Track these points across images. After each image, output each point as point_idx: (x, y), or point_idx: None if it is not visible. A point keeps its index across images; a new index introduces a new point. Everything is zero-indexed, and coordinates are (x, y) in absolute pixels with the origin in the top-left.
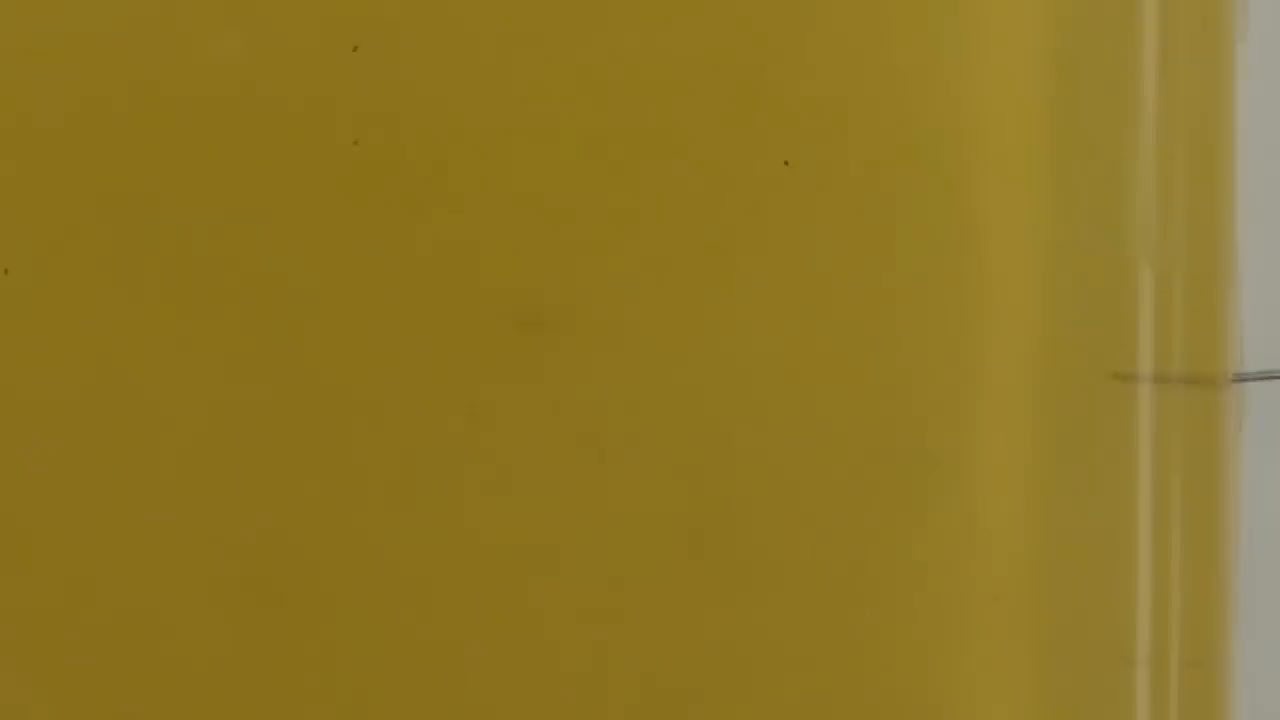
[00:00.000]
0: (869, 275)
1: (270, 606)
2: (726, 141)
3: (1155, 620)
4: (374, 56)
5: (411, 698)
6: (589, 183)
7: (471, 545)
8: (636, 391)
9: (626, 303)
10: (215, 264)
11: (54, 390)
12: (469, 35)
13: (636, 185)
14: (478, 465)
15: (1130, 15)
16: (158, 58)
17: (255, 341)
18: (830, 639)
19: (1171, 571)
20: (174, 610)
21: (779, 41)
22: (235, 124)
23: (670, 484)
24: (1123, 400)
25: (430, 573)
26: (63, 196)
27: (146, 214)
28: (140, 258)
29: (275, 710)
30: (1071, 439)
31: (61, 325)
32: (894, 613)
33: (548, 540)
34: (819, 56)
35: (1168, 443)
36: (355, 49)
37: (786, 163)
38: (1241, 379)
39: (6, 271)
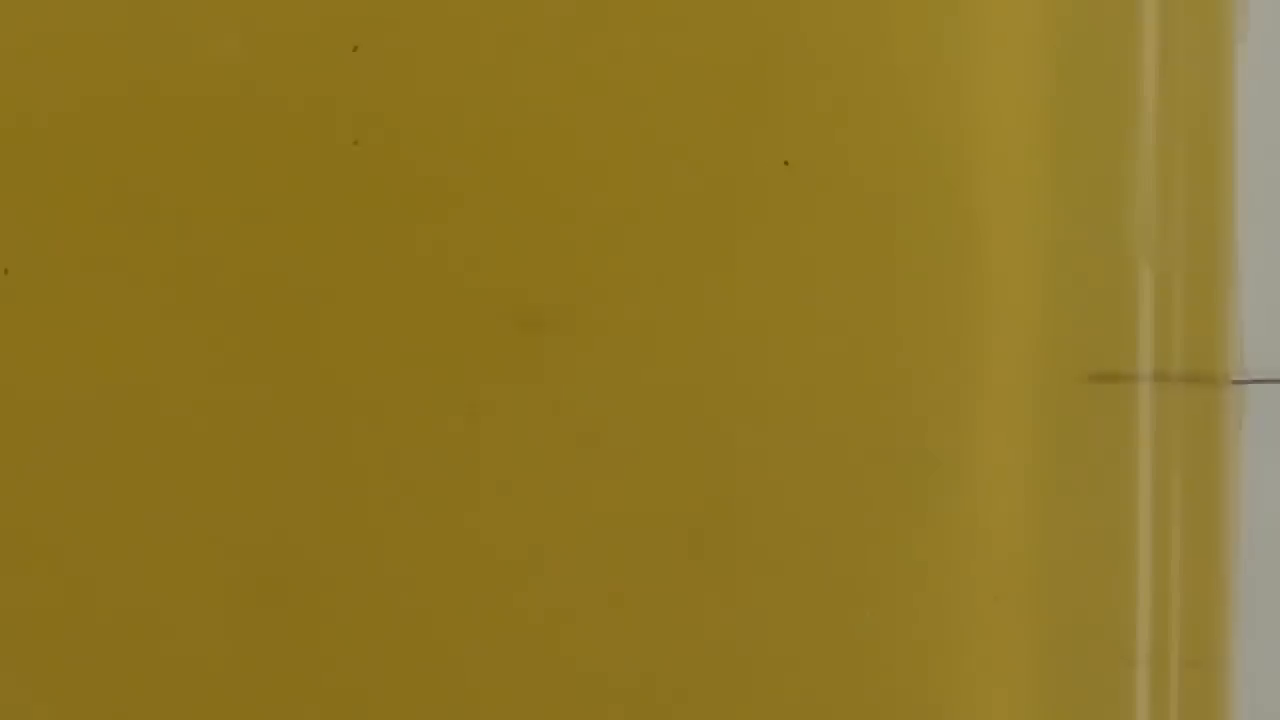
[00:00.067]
0: (869, 275)
1: (270, 606)
2: (726, 141)
3: (1155, 620)
4: (374, 56)
5: (412, 697)
6: (589, 183)
7: (471, 545)
8: (636, 391)
9: (626, 303)
10: (215, 264)
11: (54, 390)
12: (469, 35)
13: (636, 185)
14: (478, 465)
15: (1130, 15)
16: (158, 58)
17: (255, 341)
18: (830, 639)
19: (1171, 571)
20: (174, 610)
21: (779, 41)
22: (235, 124)
23: (670, 484)
24: (1123, 400)
25: (430, 572)
26: (63, 196)
27: (147, 214)
28: (140, 258)
29: (276, 710)
30: (1072, 439)
31: (61, 325)
32: (894, 613)
33: (548, 540)
34: (819, 56)
35: (1168, 443)
36: (355, 49)
37: (786, 163)
38: (1242, 382)
39: (6, 271)
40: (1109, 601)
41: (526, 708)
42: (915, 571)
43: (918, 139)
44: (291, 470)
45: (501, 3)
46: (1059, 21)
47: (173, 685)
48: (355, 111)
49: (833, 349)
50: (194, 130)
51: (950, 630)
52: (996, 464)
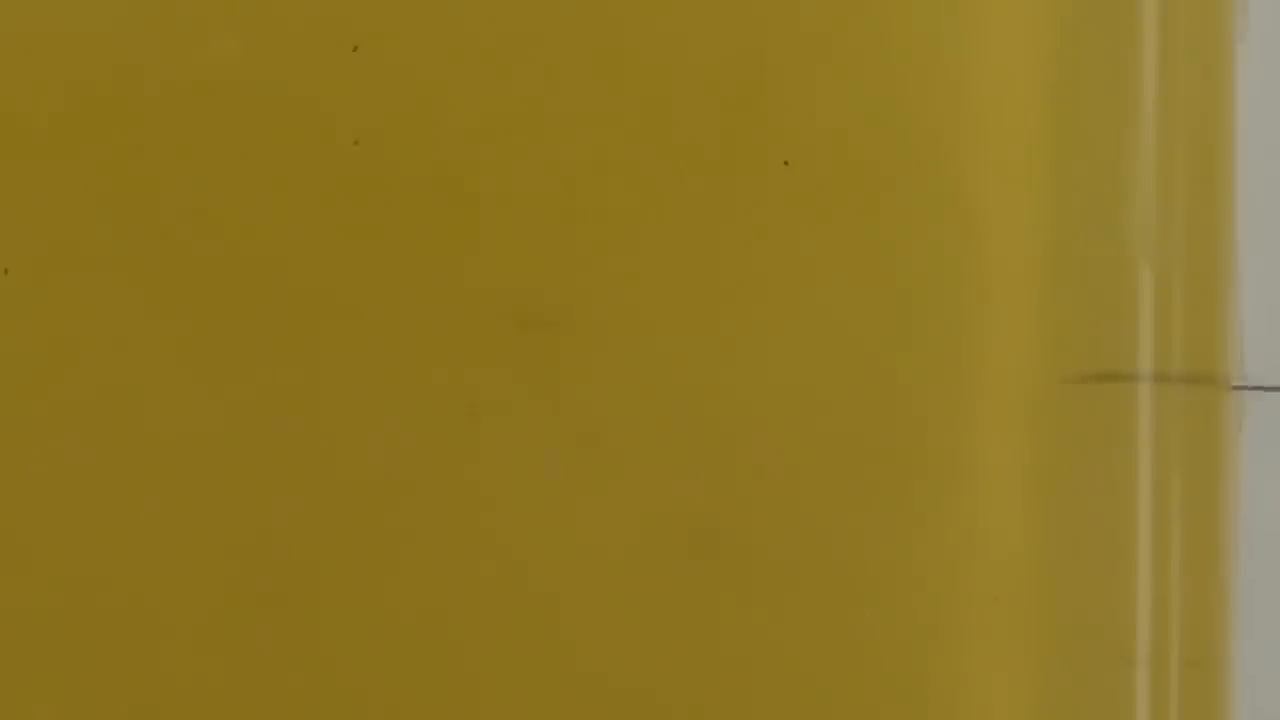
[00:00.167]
0: (869, 275)
1: (269, 605)
2: (726, 141)
3: (1155, 620)
4: (374, 56)
5: (412, 697)
6: (589, 183)
7: (471, 544)
8: (637, 391)
9: (627, 302)
10: (215, 264)
11: (54, 390)
12: (469, 35)
13: (637, 185)
14: (478, 465)
15: (1130, 15)
16: (158, 58)
17: (255, 341)
18: (831, 639)
19: (1171, 571)
20: (175, 610)
21: (779, 41)
22: (235, 124)
23: (671, 484)
24: (1123, 400)
25: (430, 572)
26: (63, 197)
27: (146, 214)
28: (140, 258)
29: (275, 711)
30: (1072, 439)
31: (61, 325)
32: (894, 613)
33: (548, 539)
34: (819, 56)
35: (1167, 443)
36: (355, 49)
37: (786, 163)
38: (1242, 388)
39: (6, 271)
40: (1109, 601)
41: (526, 708)
42: (915, 571)
43: (918, 139)
44: (291, 470)
45: (501, 3)
46: (1059, 21)
47: (172, 685)
48: (355, 111)
49: (832, 349)
50: (194, 130)
51: (950, 630)
52: (996, 464)
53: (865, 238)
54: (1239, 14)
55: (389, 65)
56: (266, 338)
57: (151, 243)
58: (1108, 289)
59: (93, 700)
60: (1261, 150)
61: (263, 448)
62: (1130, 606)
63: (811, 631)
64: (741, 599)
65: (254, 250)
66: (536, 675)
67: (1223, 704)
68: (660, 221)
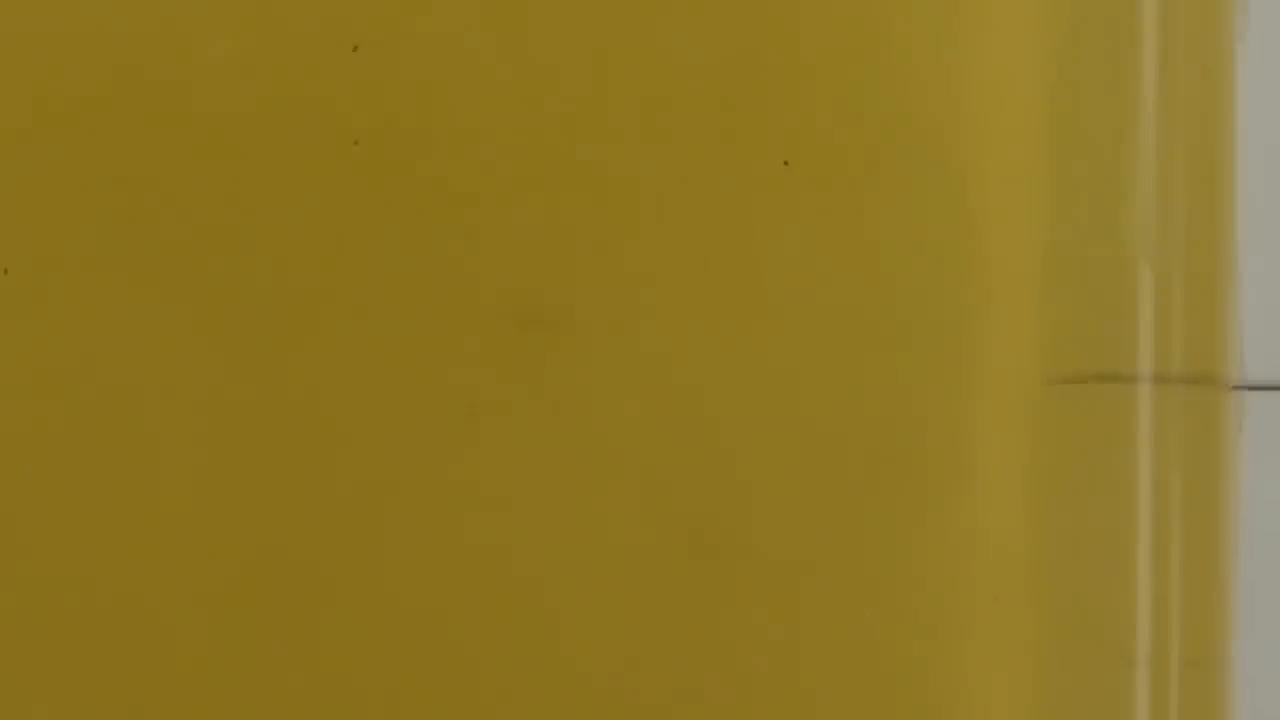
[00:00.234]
0: (869, 275)
1: (269, 605)
2: (726, 141)
3: (1155, 620)
4: (374, 56)
5: (410, 697)
6: (588, 183)
7: (470, 544)
8: (636, 391)
9: (626, 302)
10: (215, 264)
11: (53, 390)
12: (469, 35)
13: (636, 185)
14: (477, 464)
15: (1130, 15)
16: (158, 58)
17: (255, 341)
18: (830, 639)
19: (1171, 571)
20: (174, 610)
21: (779, 41)
22: (235, 124)
23: (670, 484)
24: (1123, 401)
25: (429, 572)
26: (62, 197)
27: (146, 214)
28: (140, 258)
29: (274, 711)
30: (1072, 439)
31: (61, 325)
32: (894, 613)
33: (547, 540)
34: (819, 56)
35: (1167, 443)
36: (355, 49)
37: (786, 163)
38: (1242, 388)
39: (6, 271)
40: (1109, 601)
41: (525, 708)
42: (915, 571)
43: (918, 139)
44: (291, 469)
45: (501, 3)
46: (1059, 21)
47: (172, 685)
48: (355, 111)
49: (832, 349)
50: (194, 130)
51: (950, 630)
52: (996, 464)
53: (865, 238)
54: (1239, 14)
55: (389, 65)
56: (266, 337)
57: (151, 243)
58: (1108, 289)
59: (93, 700)
60: (1261, 150)
61: (263, 447)
62: (1130, 606)
63: (811, 631)
64: (741, 599)
65: (254, 250)
66: (536, 675)
67: (1223, 704)
68: (660, 221)
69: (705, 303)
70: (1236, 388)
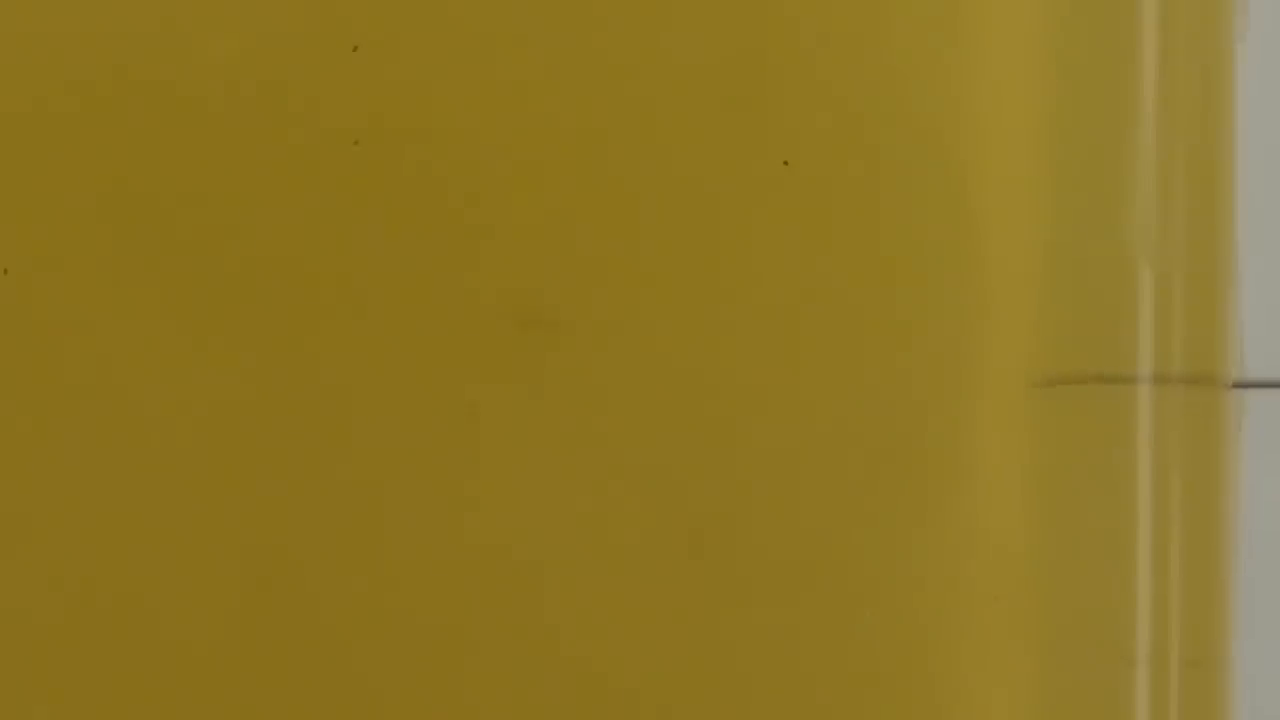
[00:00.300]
0: (869, 275)
1: (269, 606)
2: (726, 141)
3: (1155, 620)
4: (374, 56)
5: (411, 698)
6: (589, 183)
7: (471, 545)
8: (636, 391)
9: (626, 302)
10: (215, 264)
11: (53, 390)
12: (469, 35)
13: (636, 185)
14: (477, 465)
15: (1130, 15)
16: (158, 57)
17: (255, 341)
18: (830, 639)
19: (1171, 571)
20: (175, 611)
21: (779, 41)
22: (235, 124)
23: (670, 484)
24: (1123, 401)
25: (428, 572)
26: (62, 196)
27: (146, 214)
28: (140, 258)
29: (275, 710)
30: (1072, 439)
31: (61, 325)
32: (894, 613)
33: (547, 540)
34: (819, 56)
35: (1167, 444)
36: (355, 49)
37: (786, 163)
38: (1242, 385)
39: (6, 271)
40: (1109, 601)
41: (525, 708)
42: (915, 571)
43: (918, 139)
44: (290, 469)
45: (501, 3)
46: (1059, 21)
47: (171, 685)
48: (355, 111)
49: (832, 349)
50: (194, 130)
51: (950, 630)
52: (996, 464)
53: (865, 238)
54: (1239, 14)
55: (389, 65)
56: (266, 338)
57: (151, 243)
58: (1108, 289)
59: (93, 700)
60: (1261, 150)
61: (262, 447)
62: (1130, 606)
63: (811, 631)
64: (741, 599)
65: (254, 250)
66: (536, 675)
67: (1223, 704)
68: (660, 221)
69: (705, 303)
70: (1237, 385)
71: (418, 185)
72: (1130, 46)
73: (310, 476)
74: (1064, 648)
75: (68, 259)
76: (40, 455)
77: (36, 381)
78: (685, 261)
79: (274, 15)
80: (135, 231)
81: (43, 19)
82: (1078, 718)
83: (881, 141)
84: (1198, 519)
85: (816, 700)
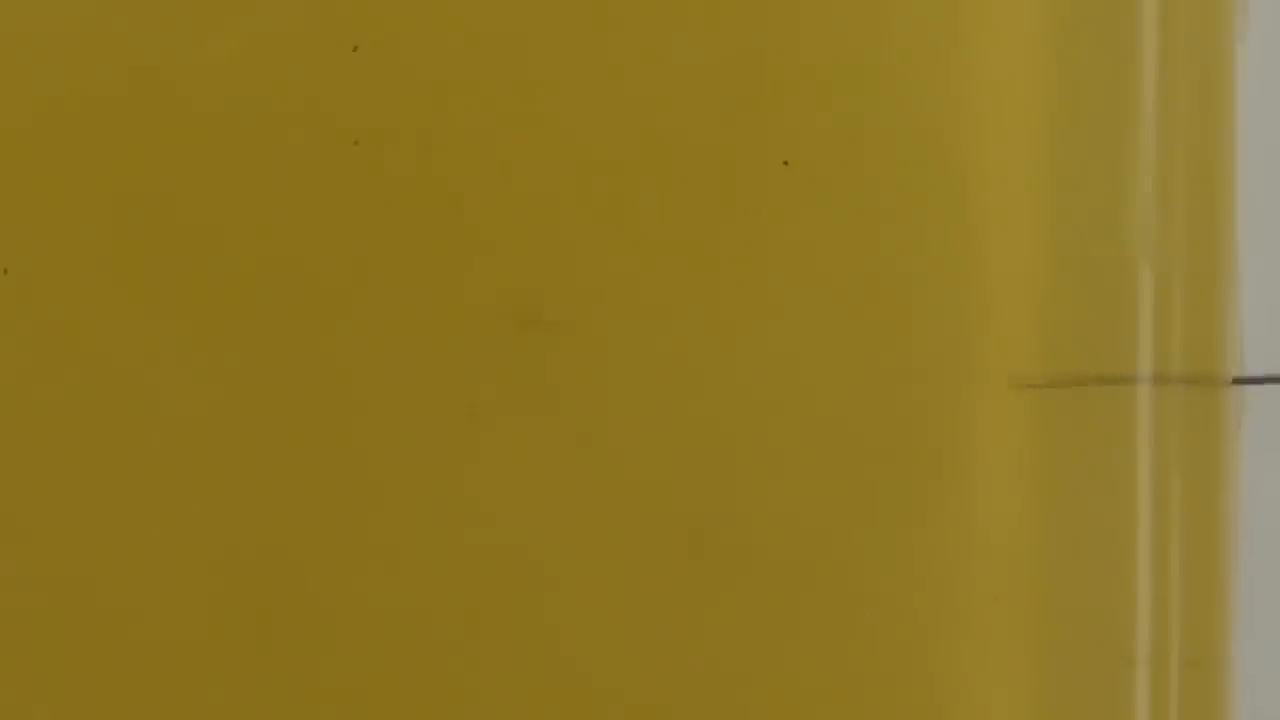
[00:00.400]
0: (869, 275)
1: (269, 606)
2: (726, 141)
3: (1155, 620)
4: (374, 56)
5: (409, 696)
6: (589, 183)
7: (471, 544)
8: (636, 391)
9: (627, 303)
10: (215, 264)
11: (53, 390)
12: (469, 35)
13: (636, 185)
14: (477, 465)
15: (1130, 15)
16: (158, 58)
17: (255, 341)
18: (830, 639)
19: (1171, 571)
20: (173, 610)
21: (779, 41)
22: (235, 124)
23: (670, 484)
24: (1122, 401)
25: (429, 572)
26: (62, 197)
27: (146, 214)
28: (140, 258)
29: (275, 710)
30: (1071, 439)
31: (61, 325)
32: (894, 613)
33: (547, 540)
34: (819, 56)
35: (1167, 444)
36: (355, 49)
37: (786, 163)
38: (1242, 381)
39: (6, 271)
40: (1109, 601)
41: (525, 708)
42: (915, 571)
43: (918, 139)
44: (291, 469)
45: (501, 3)
46: (1059, 21)
47: (171, 685)
48: (355, 111)
49: (832, 349)
50: (194, 130)
51: (950, 630)
52: (996, 464)
53: (865, 238)
54: (1239, 14)
55: (389, 65)
56: (266, 337)
57: (151, 243)
58: (1108, 289)
59: (93, 700)
60: (1261, 150)
61: (262, 447)
62: (1130, 606)
63: (811, 631)
64: (741, 599)
65: (254, 250)
66: (536, 675)
67: (1223, 704)
68: (660, 222)
69: (705, 303)
70: (1236, 381)
71: (418, 185)
72: (1130, 46)
73: (310, 476)
74: (1064, 648)
75: (68, 259)
76: (40, 455)
77: (36, 381)
78: (685, 262)
79: (274, 15)
80: (135, 231)
81: (43, 20)
82: (1078, 718)
83: (881, 141)
84: (1198, 519)
85: (816, 700)
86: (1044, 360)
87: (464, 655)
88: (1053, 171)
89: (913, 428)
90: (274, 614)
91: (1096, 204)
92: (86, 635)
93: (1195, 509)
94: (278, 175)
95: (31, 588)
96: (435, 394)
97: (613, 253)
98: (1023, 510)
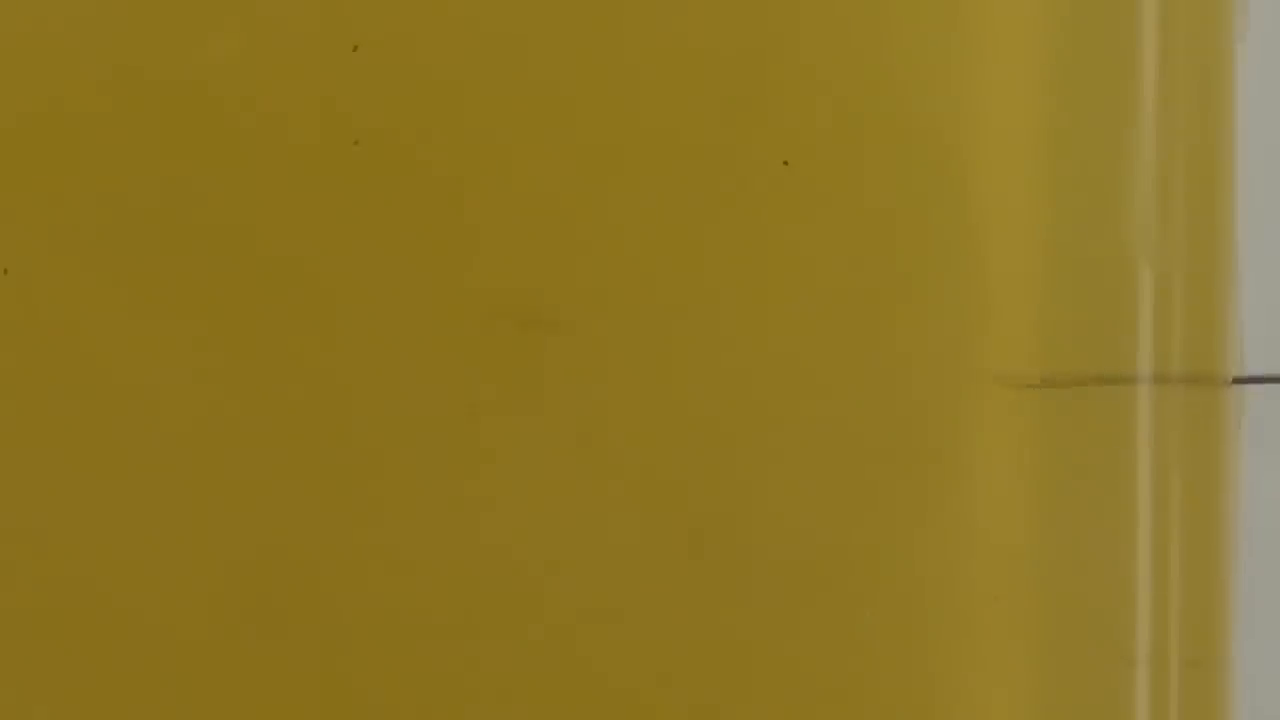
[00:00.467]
0: (869, 275)
1: (268, 604)
2: (726, 141)
3: (1155, 620)
4: (374, 56)
5: (409, 696)
6: (589, 183)
7: (471, 543)
8: (636, 391)
9: (626, 303)
10: (215, 264)
11: (53, 390)
12: (469, 35)
13: (636, 185)
14: (477, 464)
15: (1130, 15)
16: (159, 58)
17: (255, 340)
18: (830, 639)
19: (1171, 571)
20: (173, 610)
21: (779, 42)
22: (235, 124)
23: (670, 484)
24: (1122, 401)
25: (428, 571)
26: (62, 197)
27: (146, 214)
28: (140, 257)
29: (274, 709)
30: (1071, 439)
31: (61, 325)
32: (894, 613)
33: (547, 539)
34: (819, 58)
35: (1167, 444)
36: (355, 49)
37: (786, 163)
38: (1241, 380)
39: (6, 271)
40: (1109, 601)
41: (525, 707)
42: (915, 571)
43: (918, 139)
44: (290, 468)
45: (501, 3)
46: (1059, 21)
47: (173, 687)
48: (355, 111)
49: (832, 349)
50: (194, 130)
51: (950, 630)
52: (996, 464)
53: (865, 237)
54: (1239, 14)
55: (389, 65)
56: (266, 337)
57: (151, 242)
58: (1107, 289)
59: (93, 700)
60: (1261, 150)
61: (263, 445)
62: (1130, 606)
63: (812, 631)
64: (741, 598)
65: (254, 250)
66: (536, 674)
67: (1223, 704)
68: (660, 221)
69: (705, 303)
70: (1236, 381)
71: (418, 185)
72: (1130, 46)
73: (311, 474)
74: (1064, 648)
75: (68, 259)
76: (40, 454)
77: (36, 381)
78: (685, 261)
79: (274, 15)
80: (135, 231)
81: (43, 20)
82: (1078, 718)
83: (881, 141)
84: (1198, 519)
85: (816, 699)
86: (1043, 360)
87: (464, 653)
88: (1053, 171)
89: (913, 428)
90: (275, 611)
91: (1096, 204)
92: (88, 635)
93: (1195, 509)
94: (278, 175)
95: (32, 588)
96: (436, 393)
97: (613, 253)
98: (1023, 510)
